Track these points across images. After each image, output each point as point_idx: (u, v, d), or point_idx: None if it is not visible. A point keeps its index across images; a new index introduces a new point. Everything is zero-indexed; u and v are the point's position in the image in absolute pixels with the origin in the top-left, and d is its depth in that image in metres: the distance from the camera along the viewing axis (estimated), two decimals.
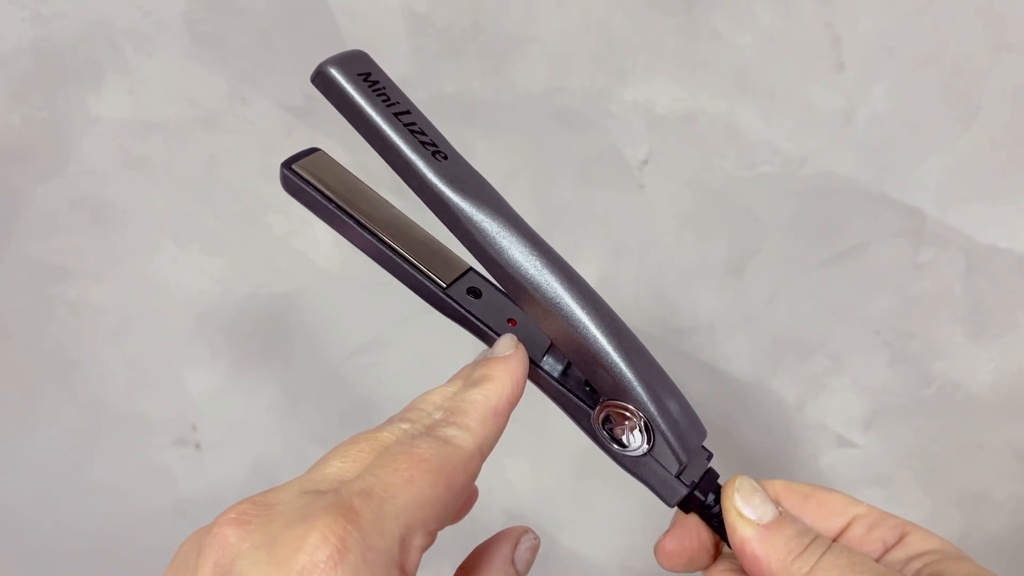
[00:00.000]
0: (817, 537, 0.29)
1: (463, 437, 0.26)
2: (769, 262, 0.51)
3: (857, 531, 0.30)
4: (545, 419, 0.56)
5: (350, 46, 0.50)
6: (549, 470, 0.59)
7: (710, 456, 0.32)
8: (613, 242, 0.53)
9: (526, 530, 0.30)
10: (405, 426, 0.27)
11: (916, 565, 0.29)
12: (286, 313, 0.58)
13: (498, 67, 0.49)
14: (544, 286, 0.29)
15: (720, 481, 0.32)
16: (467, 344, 0.34)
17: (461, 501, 0.26)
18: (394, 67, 0.50)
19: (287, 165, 0.31)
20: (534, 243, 0.29)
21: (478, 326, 0.31)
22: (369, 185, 0.33)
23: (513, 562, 0.29)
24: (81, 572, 0.67)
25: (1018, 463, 0.53)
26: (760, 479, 0.31)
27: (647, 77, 0.48)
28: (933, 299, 0.50)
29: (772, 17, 0.46)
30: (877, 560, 0.30)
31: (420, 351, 0.57)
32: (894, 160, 0.47)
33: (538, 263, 0.29)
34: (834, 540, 0.30)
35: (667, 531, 0.33)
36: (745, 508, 0.30)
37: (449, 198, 0.28)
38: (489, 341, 0.31)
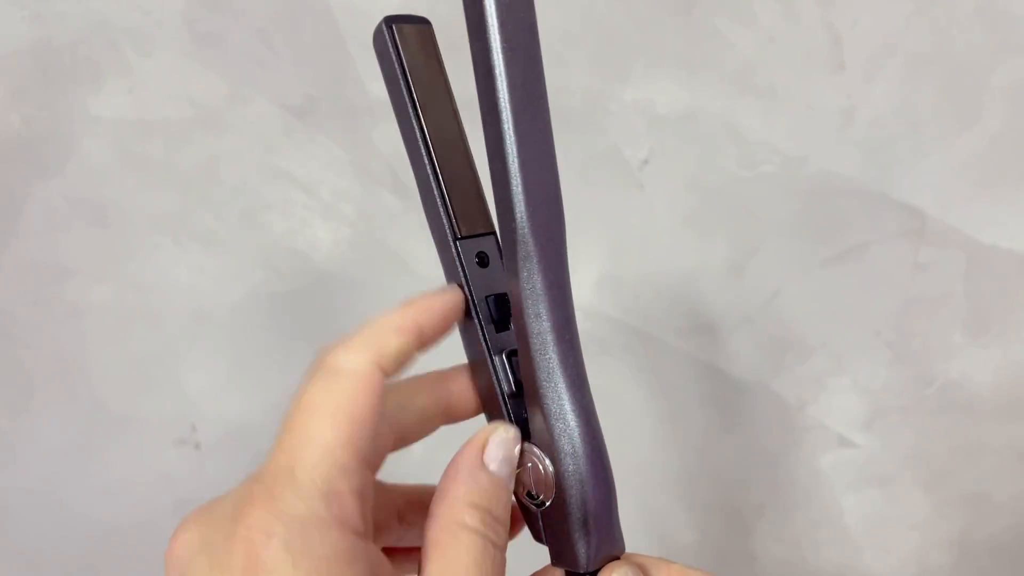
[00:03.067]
0: None
1: (350, 359, 0.24)
2: (769, 262, 0.51)
3: None
4: None
5: (350, 46, 0.50)
6: None
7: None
8: (613, 242, 0.52)
9: (494, 428, 0.27)
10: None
11: None
12: (286, 313, 0.58)
13: None
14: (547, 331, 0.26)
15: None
16: None
17: (373, 423, 0.24)
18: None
19: (391, 21, 0.29)
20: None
21: (467, 292, 0.29)
22: (452, 92, 0.31)
23: (484, 464, 0.26)
24: (81, 572, 0.67)
25: (1018, 463, 0.53)
26: (657, 558, 0.29)
27: (647, 77, 0.48)
28: (933, 299, 0.50)
29: (772, 17, 0.45)
30: None
31: None
32: (894, 160, 0.47)
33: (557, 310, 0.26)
34: None
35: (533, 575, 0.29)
36: None
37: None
38: (469, 319, 0.29)
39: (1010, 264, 0.48)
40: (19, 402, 0.61)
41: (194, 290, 0.57)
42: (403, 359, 0.26)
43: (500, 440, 0.26)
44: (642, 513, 0.58)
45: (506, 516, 0.26)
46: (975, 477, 0.54)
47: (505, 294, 0.29)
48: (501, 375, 0.29)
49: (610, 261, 0.53)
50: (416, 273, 0.53)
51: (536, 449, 0.27)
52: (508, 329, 0.29)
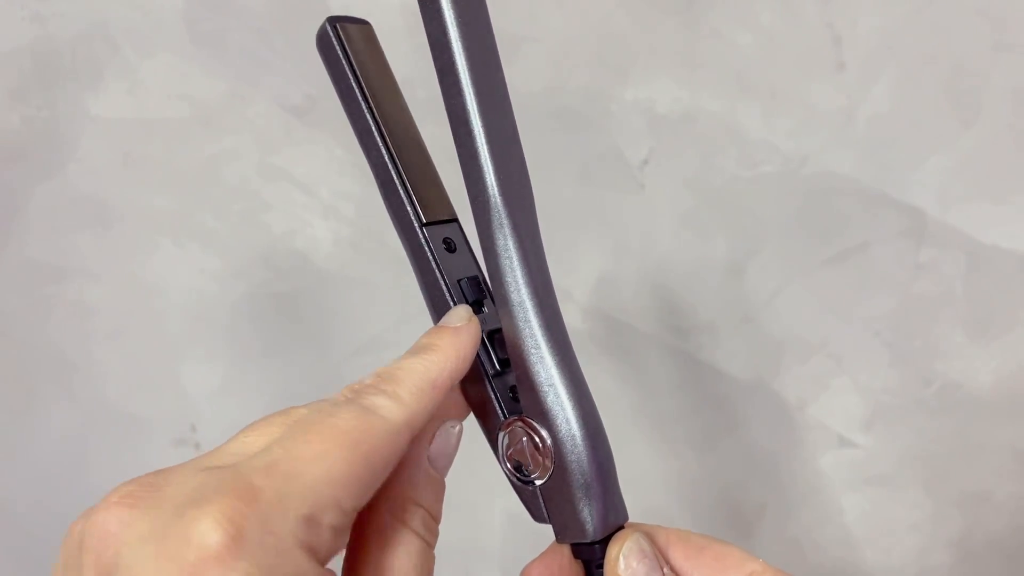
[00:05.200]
0: None
1: (390, 407, 0.24)
2: (769, 262, 0.51)
3: None
4: None
5: None
6: None
7: None
8: (613, 242, 0.52)
9: (442, 422, 0.27)
10: (332, 397, 0.25)
11: None
12: (286, 313, 0.58)
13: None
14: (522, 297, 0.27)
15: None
16: None
17: (382, 479, 0.23)
18: (394, 67, 0.50)
19: (334, 21, 0.30)
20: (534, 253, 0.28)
21: (437, 281, 0.29)
22: (399, 87, 0.32)
23: (429, 459, 0.26)
24: None
25: (1018, 463, 0.53)
26: (656, 525, 0.29)
27: (647, 77, 0.48)
28: (934, 299, 0.50)
29: (772, 17, 0.45)
30: None
31: None
32: (895, 160, 0.47)
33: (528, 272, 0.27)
34: None
35: (537, 558, 0.29)
36: (631, 570, 0.26)
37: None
38: (441, 306, 0.29)
39: (1010, 264, 0.48)
40: (19, 402, 0.61)
41: (194, 290, 0.57)
42: (426, 421, 0.25)
43: (446, 434, 0.27)
44: (642, 513, 0.58)
45: (439, 516, 0.26)
46: (975, 477, 0.54)
47: (476, 276, 0.30)
48: (483, 356, 0.29)
49: (610, 261, 0.53)
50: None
51: (531, 422, 0.27)
52: (483, 311, 0.30)
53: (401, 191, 0.30)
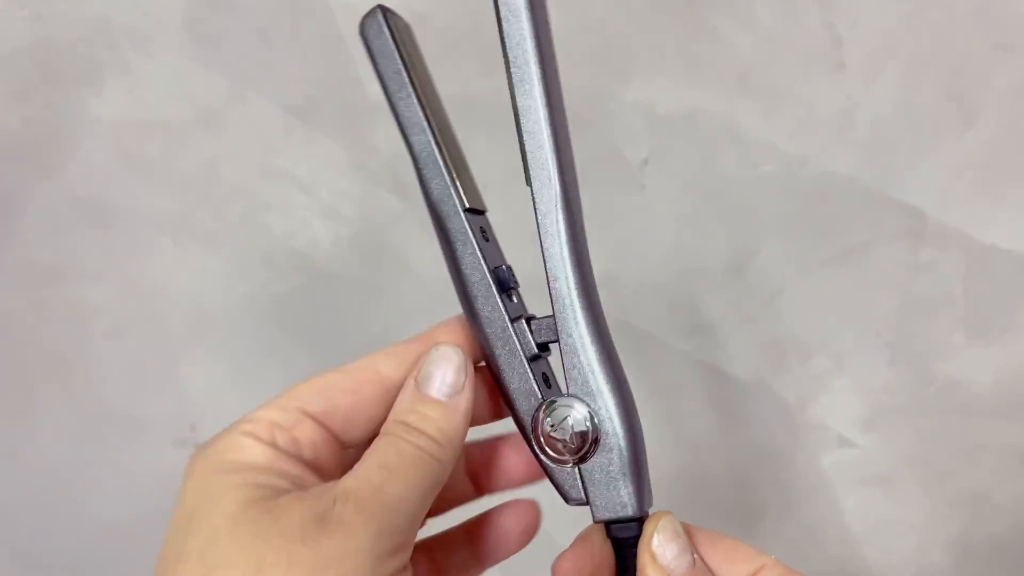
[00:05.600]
0: None
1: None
2: (769, 262, 0.51)
3: None
4: None
5: (350, 46, 0.50)
6: None
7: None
8: (614, 242, 0.52)
9: (435, 350, 0.28)
10: None
11: None
12: (286, 313, 0.58)
13: (498, 67, 0.49)
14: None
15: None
16: None
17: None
18: None
19: (383, 8, 0.31)
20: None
21: (479, 265, 0.30)
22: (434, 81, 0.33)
23: (417, 385, 0.27)
24: (81, 571, 0.67)
25: (1018, 463, 0.53)
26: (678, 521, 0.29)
27: (647, 77, 0.48)
28: (933, 299, 0.50)
29: (772, 17, 0.45)
30: None
31: None
32: (895, 160, 0.47)
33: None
34: None
35: (569, 549, 0.30)
36: (661, 553, 0.27)
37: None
38: (479, 291, 0.30)
39: (1010, 264, 0.48)
40: (19, 402, 0.61)
41: (194, 290, 0.57)
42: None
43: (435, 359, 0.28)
44: None
45: (447, 439, 0.26)
46: (975, 477, 0.54)
47: (510, 266, 0.31)
48: (521, 340, 0.30)
49: (610, 261, 0.53)
50: (416, 273, 0.53)
51: (575, 401, 0.28)
52: (513, 300, 0.31)
53: (447, 176, 0.31)
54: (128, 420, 0.61)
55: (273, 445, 0.26)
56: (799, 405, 0.54)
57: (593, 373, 0.28)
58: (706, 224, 0.51)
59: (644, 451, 0.29)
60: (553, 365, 0.31)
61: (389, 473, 0.24)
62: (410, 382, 0.27)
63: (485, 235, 0.31)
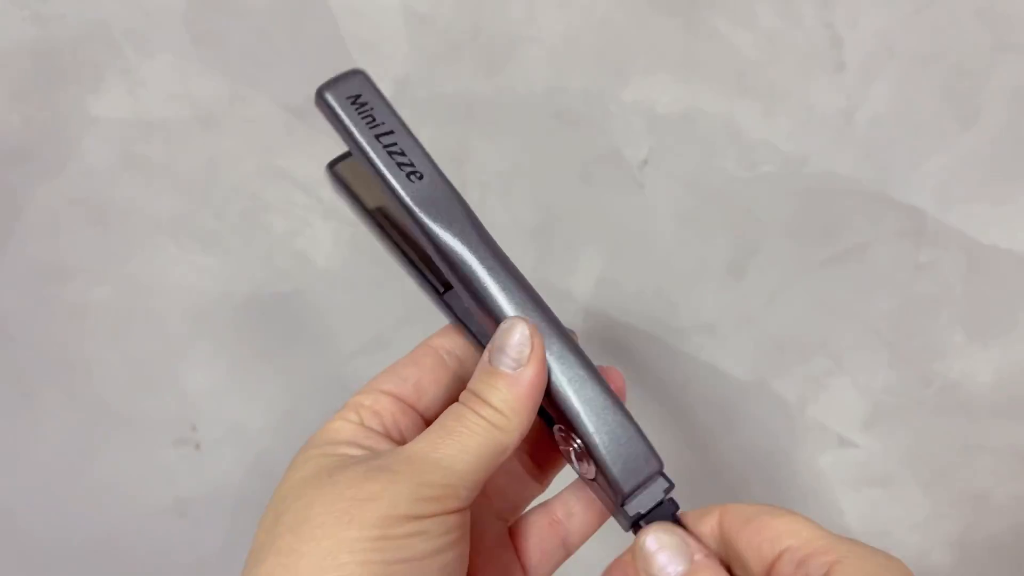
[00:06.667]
0: None
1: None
2: (769, 262, 0.51)
3: (784, 568, 0.27)
4: None
5: (350, 46, 0.50)
6: None
7: (670, 488, 0.31)
8: (613, 242, 0.53)
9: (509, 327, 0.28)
10: None
11: None
12: (286, 313, 0.58)
13: (498, 67, 0.49)
14: (496, 304, 0.29)
15: (685, 508, 0.31)
16: None
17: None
18: (394, 67, 0.50)
19: (331, 166, 0.34)
20: (495, 265, 0.30)
21: (472, 333, 0.32)
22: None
23: (489, 361, 0.28)
24: (81, 572, 0.67)
25: (1018, 463, 0.53)
26: (709, 505, 0.30)
27: (647, 77, 0.48)
28: (933, 299, 0.50)
29: (772, 17, 0.45)
30: None
31: None
32: (894, 160, 0.47)
33: (497, 283, 0.29)
34: (768, 575, 0.27)
35: (606, 569, 0.31)
36: (649, 564, 0.28)
37: (418, 217, 0.30)
38: (484, 338, 0.31)
39: (1010, 264, 0.48)
40: (19, 402, 0.61)
41: (194, 290, 0.57)
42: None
43: (511, 332, 0.29)
44: None
45: (510, 409, 0.28)
46: (975, 477, 0.54)
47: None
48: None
49: (610, 261, 0.53)
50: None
51: (565, 430, 0.30)
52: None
53: (421, 274, 0.33)
54: (128, 420, 0.61)
55: (358, 423, 0.29)
56: (799, 405, 0.54)
57: (559, 402, 0.29)
58: (706, 224, 0.51)
59: (624, 449, 0.30)
60: None
61: (446, 434, 0.27)
62: (484, 355, 0.29)
63: (456, 313, 0.33)
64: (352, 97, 0.31)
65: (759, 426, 0.55)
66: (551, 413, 0.30)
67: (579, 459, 0.30)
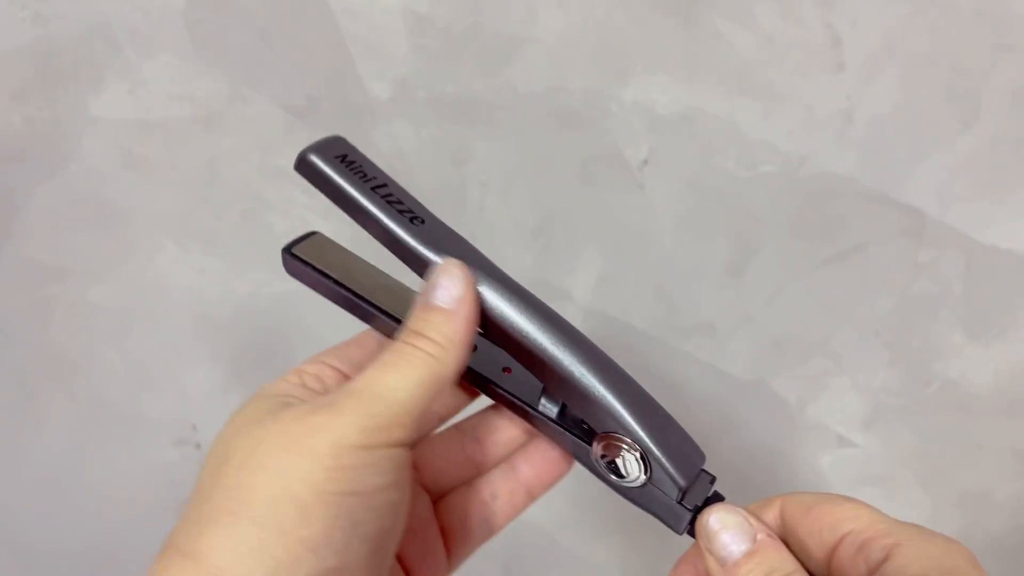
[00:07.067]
0: None
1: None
2: (769, 262, 0.51)
3: (845, 551, 0.27)
4: None
5: (350, 46, 0.51)
6: None
7: (713, 480, 0.32)
8: (613, 242, 0.53)
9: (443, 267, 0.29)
10: None
11: None
12: (286, 313, 0.58)
13: (498, 67, 0.49)
14: (530, 335, 0.30)
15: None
16: None
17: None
18: (394, 67, 0.50)
19: (287, 249, 0.33)
20: (515, 293, 0.30)
21: (479, 374, 0.32)
22: (362, 258, 0.35)
23: (426, 300, 0.29)
24: (81, 572, 0.67)
25: (1018, 463, 0.53)
26: (770, 496, 0.30)
27: (647, 77, 0.48)
28: (933, 299, 0.50)
29: (772, 17, 0.46)
30: None
31: None
32: (894, 160, 0.47)
33: (522, 313, 0.30)
34: (829, 560, 0.27)
35: (672, 570, 0.32)
36: (712, 543, 0.28)
37: (429, 259, 0.30)
38: (486, 387, 0.32)
39: (1010, 264, 0.48)
40: (20, 402, 0.61)
41: (194, 290, 0.57)
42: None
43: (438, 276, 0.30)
44: (643, 512, 0.58)
45: (447, 341, 0.28)
46: (975, 477, 0.54)
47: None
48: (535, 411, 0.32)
49: (610, 261, 0.53)
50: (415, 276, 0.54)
51: (609, 435, 0.30)
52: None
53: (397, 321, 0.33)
54: (129, 420, 0.61)
55: (300, 384, 0.30)
56: (799, 405, 0.54)
57: (606, 408, 0.30)
58: (706, 224, 0.51)
59: (675, 445, 0.30)
60: None
61: (387, 368, 0.27)
62: (418, 299, 0.29)
63: (472, 347, 0.32)
64: (339, 156, 0.31)
65: (759, 426, 0.55)
66: (592, 424, 0.30)
67: (625, 467, 0.30)
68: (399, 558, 0.31)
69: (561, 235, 0.52)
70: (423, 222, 0.30)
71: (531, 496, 0.33)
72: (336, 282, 0.33)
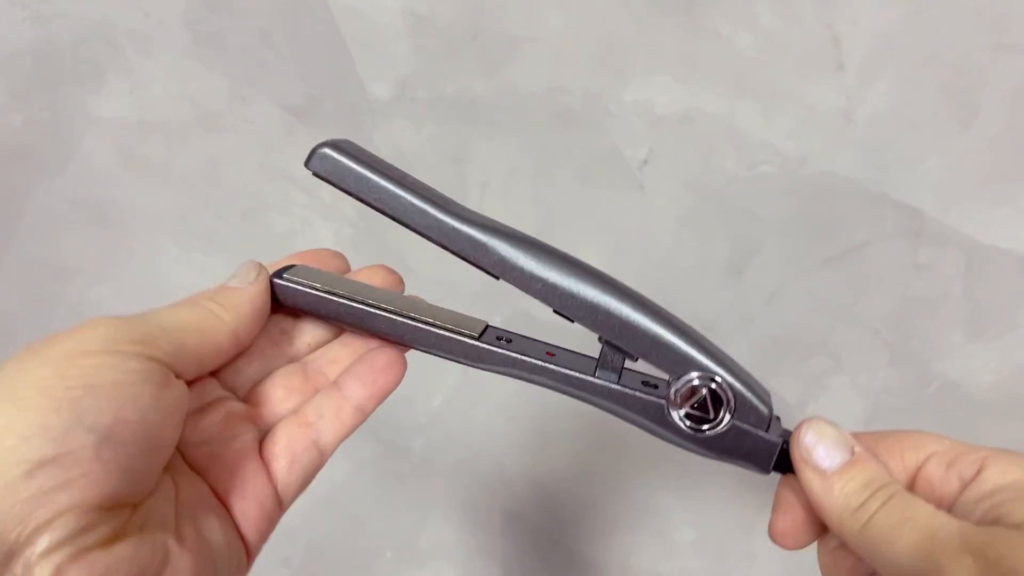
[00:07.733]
0: (880, 488, 0.27)
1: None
2: (769, 262, 0.51)
3: (933, 471, 0.28)
4: (544, 418, 0.56)
5: (350, 46, 0.51)
6: (549, 469, 0.59)
7: (778, 418, 0.32)
8: (613, 242, 0.53)
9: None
10: None
11: (984, 506, 0.26)
12: None
13: (498, 67, 0.49)
14: (585, 293, 0.31)
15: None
16: None
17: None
18: (394, 67, 0.50)
19: (278, 275, 0.34)
20: (567, 261, 0.31)
21: (526, 361, 0.32)
22: (343, 276, 0.36)
23: None
24: None
25: None
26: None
27: (647, 77, 0.48)
28: (933, 299, 0.50)
29: (772, 17, 0.46)
30: (952, 502, 0.27)
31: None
32: (894, 160, 0.47)
33: (574, 276, 0.31)
34: (913, 479, 0.28)
35: (773, 511, 0.32)
36: (810, 455, 0.28)
37: (471, 236, 0.30)
38: (536, 372, 0.32)
39: (1010, 264, 0.48)
40: None
41: (194, 290, 0.57)
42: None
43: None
44: (643, 512, 0.58)
45: (229, 306, 0.32)
46: None
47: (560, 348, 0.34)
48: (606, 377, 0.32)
49: (610, 261, 0.53)
50: (416, 272, 0.53)
51: (685, 378, 0.30)
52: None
53: (448, 335, 0.33)
54: None
55: None
56: (799, 405, 0.54)
57: (679, 349, 0.30)
58: (705, 224, 0.51)
59: (749, 373, 0.31)
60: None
61: (169, 307, 0.30)
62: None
63: (506, 339, 0.33)
64: (353, 152, 0.31)
65: None
66: (665, 369, 0.30)
67: (711, 409, 0.30)
68: (215, 492, 0.30)
69: (561, 235, 0.52)
70: (445, 204, 0.31)
71: (362, 411, 0.33)
72: (333, 294, 0.33)
